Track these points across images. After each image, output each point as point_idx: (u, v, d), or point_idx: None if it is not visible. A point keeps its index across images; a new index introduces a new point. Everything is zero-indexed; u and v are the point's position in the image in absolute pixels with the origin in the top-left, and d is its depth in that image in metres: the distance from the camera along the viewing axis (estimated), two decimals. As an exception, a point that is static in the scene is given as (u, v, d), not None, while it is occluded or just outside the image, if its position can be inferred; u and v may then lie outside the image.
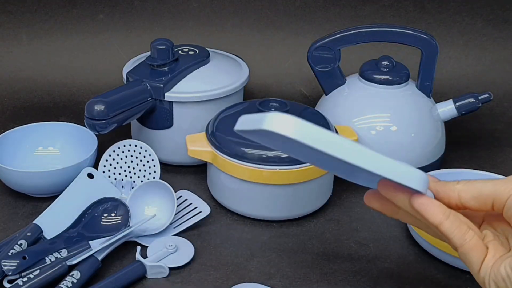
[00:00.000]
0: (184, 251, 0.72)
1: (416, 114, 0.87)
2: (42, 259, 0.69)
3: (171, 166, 0.90)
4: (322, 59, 0.88)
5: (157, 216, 0.76)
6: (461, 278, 0.71)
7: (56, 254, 0.70)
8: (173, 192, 0.76)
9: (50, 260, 0.69)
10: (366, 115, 0.86)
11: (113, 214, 0.75)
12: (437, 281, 0.71)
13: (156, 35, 0.92)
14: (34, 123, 0.89)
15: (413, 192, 0.52)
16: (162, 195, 0.77)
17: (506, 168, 0.92)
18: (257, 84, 1.10)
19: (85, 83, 1.12)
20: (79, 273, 0.67)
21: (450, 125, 0.91)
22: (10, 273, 0.66)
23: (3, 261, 0.67)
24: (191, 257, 0.72)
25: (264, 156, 0.76)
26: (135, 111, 0.83)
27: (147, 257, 0.71)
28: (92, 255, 0.69)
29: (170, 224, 0.76)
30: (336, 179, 0.84)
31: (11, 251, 0.69)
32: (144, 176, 0.83)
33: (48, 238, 0.73)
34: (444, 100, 0.87)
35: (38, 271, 0.66)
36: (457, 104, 0.86)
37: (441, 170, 0.82)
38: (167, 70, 0.87)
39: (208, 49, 0.94)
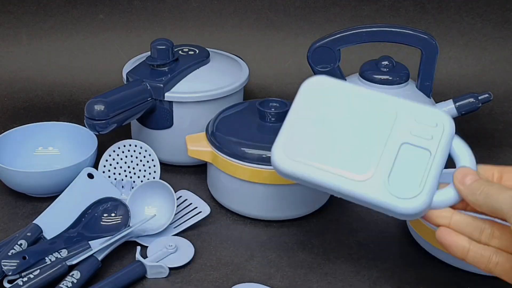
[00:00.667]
0: (184, 251, 0.72)
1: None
2: (42, 259, 0.69)
3: (171, 166, 0.90)
4: (322, 59, 0.88)
5: (157, 216, 0.76)
6: (461, 278, 0.71)
7: (56, 254, 0.70)
8: (173, 192, 0.76)
9: (50, 260, 0.69)
10: None
11: (113, 214, 0.75)
12: (437, 281, 0.71)
13: (156, 35, 0.92)
14: (34, 123, 0.89)
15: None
16: (162, 195, 0.77)
17: (506, 168, 0.92)
18: (257, 84, 1.11)
19: (85, 83, 1.12)
20: (79, 273, 0.67)
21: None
22: (10, 273, 0.66)
23: (3, 261, 0.67)
24: (191, 257, 0.72)
25: (264, 156, 0.76)
26: (135, 111, 0.83)
27: (147, 257, 0.71)
28: (92, 255, 0.69)
29: (170, 224, 0.76)
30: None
31: (11, 251, 0.69)
32: (144, 176, 0.83)
33: (48, 238, 0.73)
34: (444, 100, 0.87)
35: (38, 271, 0.66)
36: (457, 104, 0.86)
37: (441, 170, 0.82)
38: (167, 70, 0.87)
39: (208, 49, 0.94)
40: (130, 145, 0.84)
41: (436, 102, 0.88)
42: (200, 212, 0.79)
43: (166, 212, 0.77)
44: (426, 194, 0.53)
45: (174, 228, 0.77)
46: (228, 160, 0.77)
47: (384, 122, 0.56)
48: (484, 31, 1.14)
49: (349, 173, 0.55)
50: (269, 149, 0.63)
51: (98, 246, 0.70)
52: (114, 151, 0.84)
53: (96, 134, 0.83)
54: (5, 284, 0.67)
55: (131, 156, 0.84)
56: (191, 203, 0.80)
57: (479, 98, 0.86)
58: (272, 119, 0.80)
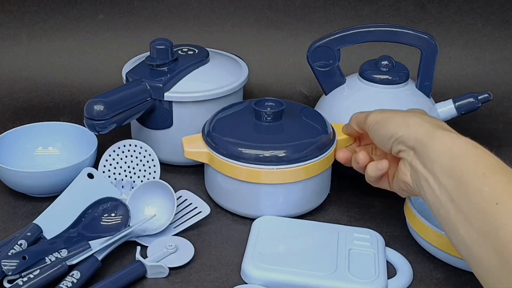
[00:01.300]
0: (184, 251, 0.72)
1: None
2: (42, 259, 0.69)
3: (171, 166, 0.90)
4: (322, 59, 0.88)
5: (157, 216, 0.76)
6: (461, 278, 0.71)
7: (56, 254, 0.70)
8: (173, 192, 0.76)
9: (50, 260, 0.69)
10: None
11: (113, 214, 0.75)
12: (437, 281, 0.71)
13: (156, 35, 0.92)
14: (34, 123, 0.89)
15: None
16: (162, 195, 0.77)
17: (506, 168, 0.92)
18: (257, 84, 1.10)
19: (85, 83, 1.12)
20: (79, 273, 0.67)
21: (450, 125, 0.91)
22: (10, 273, 0.66)
23: (3, 261, 0.67)
24: (191, 257, 0.72)
25: (261, 156, 0.76)
26: (134, 111, 0.83)
27: (147, 257, 0.71)
28: (92, 255, 0.69)
29: (170, 224, 0.76)
30: (334, 177, 0.84)
31: (11, 251, 0.70)
32: (144, 176, 0.83)
33: (48, 238, 0.73)
34: (444, 100, 0.87)
35: (38, 271, 0.66)
36: (456, 104, 0.86)
37: (441, 170, 0.83)
38: (166, 70, 0.87)
39: (208, 49, 0.94)
40: (130, 145, 0.84)
41: (436, 102, 0.88)
42: (200, 212, 0.79)
43: (166, 212, 0.77)
44: (383, 275, 0.68)
45: (174, 228, 0.77)
46: (224, 161, 0.77)
47: (331, 238, 0.74)
48: (484, 31, 1.14)
49: (316, 272, 0.68)
50: (265, 148, 0.77)
51: (98, 246, 0.70)
52: (114, 151, 0.84)
53: (96, 134, 0.83)
54: (5, 284, 0.67)
55: (131, 156, 0.84)
56: (191, 203, 0.80)
57: (479, 98, 0.86)
58: (268, 118, 0.80)
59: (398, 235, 0.78)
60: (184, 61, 0.89)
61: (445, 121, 0.89)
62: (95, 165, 0.84)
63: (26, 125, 0.89)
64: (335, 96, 0.90)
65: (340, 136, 0.81)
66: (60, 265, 0.67)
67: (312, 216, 0.81)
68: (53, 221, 0.75)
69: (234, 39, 1.14)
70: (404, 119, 0.68)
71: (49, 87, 1.11)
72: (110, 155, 0.84)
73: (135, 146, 0.84)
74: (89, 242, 0.70)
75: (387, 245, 0.75)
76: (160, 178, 0.82)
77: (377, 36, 0.87)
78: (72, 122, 0.90)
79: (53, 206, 0.78)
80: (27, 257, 0.67)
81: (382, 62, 0.88)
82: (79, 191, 0.79)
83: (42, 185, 0.80)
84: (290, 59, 1.14)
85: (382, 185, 0.75)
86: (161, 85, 0.84)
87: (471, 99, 0.86)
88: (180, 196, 0.81)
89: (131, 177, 0.84)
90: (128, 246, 0.73)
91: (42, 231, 0.74)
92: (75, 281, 0.66)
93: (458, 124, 1.01)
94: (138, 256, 0.70)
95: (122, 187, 0.83)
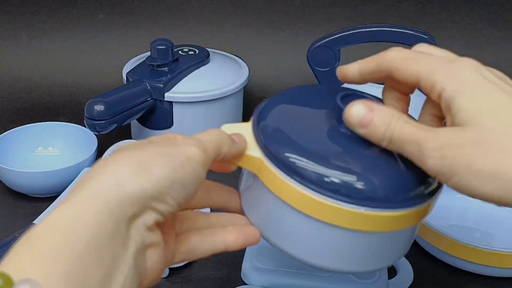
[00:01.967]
0: (184, 251, 0.72)
1: (416, 114, 0.87)
2: (42, 259, 0.69)
3: (171, 166, 0.90)
4: (322, 59, 0.88)
5: (157, 216, 0.76)
6: (461, 278, 0.71)
7: (56, 254, 0.69)
8: (173, 192, 0.76)
9: (50, 260, 0.69)
10: None
11: (113, 214, 0.75)
12: (437, 281, 0.71)
13: (156, 35, 0.92)
14: (34, 123, 0.89)
15: None
16: (162, 195, 0.77)
17: (506, 168, 0.92)
18: (257, 84, 1.10)
19: (85, 83, 1.12)
20: (79, 273, 0.66)
21: (450, 125, 0.91)
22: (10, 273, 0.66)
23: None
24: (191, 257, 0.72)
25: (349, 185, 0.45)
26: (135, 111, 0.83)
27: (147, 257, 0.71)
28: (92, 255, 0.69)
29: (170, 224, 0.76)
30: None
31: (11, 251, 0.69)
32: (144, 176, 0.83)
33: (48, 238, 0.73)
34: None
35: (38, 271, 0.66)
36: None
37: (441, 170, 0.82)
38: (167, 70, 0.87)
39: (208, 49, 0.94)
40: (130, 145, 0.84)
41: (436, 102, 0.88)
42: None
43: (166, 212, 0.76)
44: (384, 276, 0.67)
45: (174, 228, 0.77)
46: (285, 181, 0.47)
47: None
48: (484, 31, 1.14)
49: (317, 273, 0.66)
50: (357, 176, 0.46)
51: (98, 246, 0.70)
52: (114, 151, 0.84)
53: (96, 134, 0.83)
54: (5, 284, 0.67)
55: (131, 156, 0.84)
56: (191, 203, 0.80)
57: None
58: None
59: (398, 235, 0.78)
60: (185, 61, 0.89)
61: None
62: (95, 165, 0.84)
63: (26, 125, 0.89)
64: (335, 96, 0.90)
65: None
66: (60, 265, 0.67)
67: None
68: (53, 221, 0.75)
69: (234, 39, 1.14)
70: None
71: (49, 87, 1.11)
72: (110, 155, 0.84)
73: (135, 146, 0.84)
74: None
75: (387, 245, 0.75)
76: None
77: (377, 36, 0.87)
78: (72, 122, 0.90)
79: (53, 206, 0.78)
80: (27, 257, 0.67)
81: (382, 62, 0.88)
82: (79, 191, 0.79)
83: (42, 185, 0.80)
84: (290, 59, 1.14)
85: None
86: (161, 85, 0.84)
87: None
88: (180, 196, 0.81)
89: (131, 177, 0.84)
90: (128, 246, 0.73)
91: (42, 231, 0.74)
92: (75, 281, 0.66)
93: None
94: (138, 256, 0.70)
95: (122, 187, 0.83)
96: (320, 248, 0.49)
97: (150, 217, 0.41)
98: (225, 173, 0.51)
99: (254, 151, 0.49)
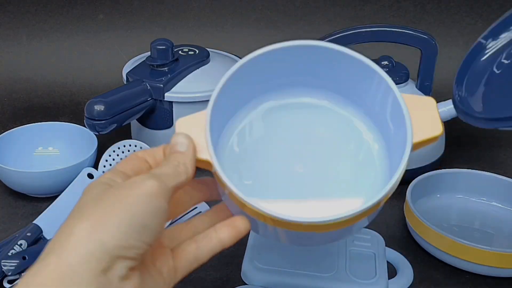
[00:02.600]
0: (184, 251, 0.72)
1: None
2: (42, 259, 0.69)
3: (171, 166, 0.90)
4: None
5: (157, 216, 0.76)
6: (461, 278, 0.71)
7: (56, 254, 0.69)
8: (173, 192, 0.76)
9: (50, 260, 0.69)
10: None
11: (113, 214, 0.75)
12: (437, 281, 0.71)
13: (156, 35, 0.92)
14: (34, 123, 0.89)
15: None
16: (162, 195, 0.77)
17: (506, 168, 0.92)
18: (257, 84, 1.10)
19: (85, 83, 1.12)
20: (79, 273, 0.66)
21: (450, 125, 0.91)
22: (10, 273, 0.66)
23: (3, 261, 0.67)
24: (191, 257, 0.72)
25: None
26: (135, 111, 0.83)
27: (147, 257, 0.71)
28: (92, 255, 0.69)
29: (170, 224, 0.76)
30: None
31: (11, 251, 0.69)
32: (144, 176, 0.83)
33: (48, 238, 0.73)
34: (444, 100, 0.87)
35: (38, 271, 0.66)
36: None
37: (441, 170, 0.82)
38: (167, 70, 0.87)
39: (208, 49, 0.94)
40: (130, 145, 0.84)
41: (436, 102, 0.88)
42: (200, 212, 0.79)
43: (166, 212, 0.76)
44: (384, 276, 0.68)
45: (174, 228, 0.77)
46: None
47: None
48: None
49: (317, 273, 0.67)
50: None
51: (98, 246, 0.70)
52: (114, 151, 0.84)
53: (96, 134, 0.83)
54: (5, 284, 0.67)
55: (131, 156, 0.84)
56: (191, 203, 0.80)
57: None
58: None
59: (398, 236, 0.78)
60: (185, 61, 0.89)
61: (445, 121, 0.89)
62: (95, 165, 0.84)
63: (26, 125, 0.89)
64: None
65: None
66: (60, 265, 0.67)
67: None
68: (53, 221, 0.75)
69: (234, 39, 1.14)
70: None
71: (49, 87, 1.11)
72: (110, 155, 0.84)
73: (135, 146, 0.84)
74: (89, 242, 0.70)
75: (387, 245, 0.75)
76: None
77: (377, 36, 0.87)
78: (72, 122, 0.90)
79: (53, 206, 0.78)
80: (27, 257, 0.67)
81: (382, 62, 0.88)
82: (79, 191, 0.79)
83: (42, 185, 0.80)
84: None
85: None
86: (161, 85, 0.84)
87: None
88: (180, 196, 0.81)
89: (131, 177, 0.84)
90: (128, 246, 0.73)
91: (42, 231, 0.74)
92: (75, 281, 0.66)
93: (458, 124, 1.01)
94: (138, 256, 0.70)
95: (122, 187, 0.83)
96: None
97: (122, 266, 0.41)
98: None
99: (204, 154, 0.48)
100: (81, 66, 1.14)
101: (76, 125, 0.89)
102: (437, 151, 0.89)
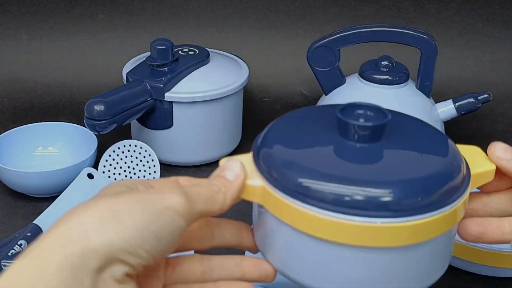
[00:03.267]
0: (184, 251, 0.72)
1: (416, 114, 0.86)
2: (42, 259, 0.69)
3: (171, 166, 0.90)
4: (322, 59, 0.88)
5: (157, 216, 0.76)
6: (461, 278, 0.71)
7: (56, 254, 0.69)
8: (173, 192, 0.76)
9: (50, 260, 0.69)
10: None
11: (113, 214, 0.75)
12: (437, 281, 0.71)
13: (156, 35, 0.92)
14: (34, 123, 0.89)
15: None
16: (162, 195, 0.77)
17: (506, 168, 0.92)
18: (257, 84, 1.11)
19: (85, 83, 1.12)
20: (79, 273, 0.66)
21: (450, 125, 0.91)
22: (10, 273, 0.66)
23: (3, 261, 0.67)
24: (191, 257, 0.72)
25: (354, 199, 0.43)
26: (135, 111, 0.83)
27: (147, 257, 0.71)
28: (92, 255, 0.69)
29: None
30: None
31: (11, 251, 0.69)
32: (144, 176, 0.83)
33: (48, 238, 0.73)
34: (444, 100, 0.87)
35: (38, 271, 0.66)
36: (456, 104, 0.86)
37: (441, 170, 0.82)
38: (167, 70, 0.87)
39: (208, 49, 0.94)
40: (130, 145, 0.84)
41: (436, 102, 0.88)
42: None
43: (166, 212, 0.76)
44: None
45: (174, 228, 0.77)
46: (288, 203, 0.44)
47: None
48: (484, 31, 1.14)
49: None
50: (362, 186, 0.43)
51: (98, 246, 0.70)
52: (114, 151, 0.84)
53: (96, 134, 0.83)
54: (5, 284, 0.67)
55: (131, 156, 0.84)
56: (191, 203, 0.80)
57: (479, 98, 0.86)
58: (362, 136, 0.47)
59: (398, 235, 0.78)
60: (185, 61, 0.89)
61: (444, 121, 0.89)
62: (95, 165, 0.84)
63: (26, 125, 0.89)
64: (335, 96, 0.90)
65: (477, 168, 0.49)
66: (60, 265, 0.67)
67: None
68: (53, 221, 0.74)
69: (234, 39, 1.14)
70: None
71: (49, 87, 1.11)
72: (110, 155, 0.84)
73: (135, 146, 0.84)
74: (89, 242, 0.70)
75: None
76: (160, 179, 0.82)
77: (377, 36, 0.87)
78: (72, 122, 0.90)
79: (53, 206, 0.78)
80: (27, 257, 0.67)
81: (382, 62, 0.88)
82: (79, 191, 0.79)
83: (42, 185, 0.80)
84: (290, 59, 1.14)
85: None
86: (161, 85, 0.84)
87: (471, 100, 0.86)
88: (180, 196, 0.81)
89: (131, 177, 0.84)
90: (128, 246, 0.73)
91: (42, 231, 0.74)
92: (75, 281, 0.66)
93: (458, 124, 1.02)
94: (138, 256, 0.70)
95: (122, 187, 0.83)
96: (346, 275, 0.45)
97: (118, 270, 0.38)
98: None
99: (255, 180, 0.46)
100: (81, 66, 1.14)
101: (76, 125, 0.89)
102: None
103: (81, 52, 1.14)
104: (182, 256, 0.47)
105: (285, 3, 1.13)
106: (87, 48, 1.15)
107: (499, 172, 0.49)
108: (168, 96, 0.85)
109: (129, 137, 0.92)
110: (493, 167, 0.49)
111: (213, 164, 0.91)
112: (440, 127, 0.88)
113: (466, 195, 0.46)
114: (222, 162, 0.45)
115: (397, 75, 0.87)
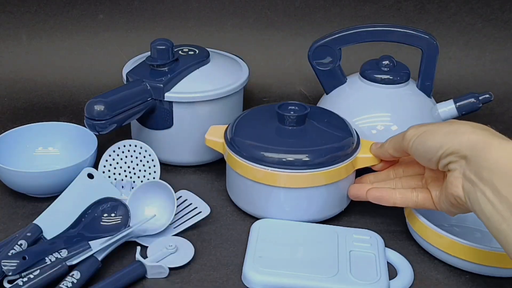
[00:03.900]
0: (184, 251, 0.72)
1: (417, 114, 0.87)
2: (42, 259, 0.69)
3: (171, 166, 0.90)
4: (323, 58, 0.88)
5: (157, 216, 0.76)
6: (461, 278, 0.71)
7: (56, 254, 0.69)
8: (173, 192, 0.76)
9: (50, 260, 0.69)
10: (367, 114, 0.86)
11: (113, 214, 0.75)
12: (437, 281, 0.71)
13: (156, 35, 0.92)
14: (34, 123, 0.89)
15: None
16: (162, 195, 0.77)
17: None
18: (257, 84, 1.10)
19: (85, 83, 1.12)
20: (79, 273, 0.66)
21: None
22: (10, 273, 0.66)
23: (3, 261, 0.67)
24: (191, 257, 0.72)
25: (279, 159, 0.75)
26: (135, 111, 0.83)
27: (147, 257, 0.71)
28: (92, 255, 0.69)
29: (170, 224, 0.76)
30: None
31: (11, 251, 0.69)
32: (144, 176, 0.83)
33: (48, 238, 0.73)
34: (445, 100, 0.87)
35: (38, 271, 0.66)
36: (457, 104, 0.86)
37: (441, 170, 0.82)
38: (167, 70, 0.87)
39: (208, 49, 0.94)
40: (130, 145, 0.84)
41: (437, 102, 0.88)
42: (200, 212, 0.79)
43: (166, 212, 0.77)
44: (385, 276, 0.68)
45: (174, 228, 0.77)
46: (240, 161, 0.76)
47: (331, 240, 0.74)
48: (484, 31, 1.14)
49: (318, 275, 0.68)
50: (284, 152, 0.75)
51: (98, 246, 0.70)
52: (114, 151, 0.84)
53: (96, 134, 0.83)
54: (5, 284, 0.67)
55: (131, 156, 0.84)
56: (191, 203, 0.80)
57: (480, 98, 0.86)
58: (291, 122, 0.78)
59: (398, 235, 0.78)
60: (185, 61, 0.89)
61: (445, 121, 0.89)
62: (95, 165, 0.84)
63: (26, 125, 0.89)
64: (336, 96, 0.90)
65: (364, 153, 0.78)
66: (60, 265, 0.67)
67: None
68: (53, 221, 0.75)
69: (234, 39, 1.14)
70: (452, 127, 0.64)
71: (49, 87, 1.11)
72: (110, 155, 0.84)
73: (135, 146, 0.84)
74: (89, 242, 0.70)
75: (387, 245, 0.75)
76: (160, 178, 0.82)
77: (378, 36, 0.87)
78: (72, 122, 0.90)
79: (53, 206, 0.78)
80: (27, 257, 0.67)
81: (383, 62, 0.88)
82: (79, 191, 0.79)
83: (42, 185, 0.80)
84: (290, 59, 1.14)
85: (425, 205, 0.71)
86: (161, 85, 0.84)
87: (472, 100, 0.86)
88: (180, 196, 0.81)
89: (131, 177, 0.84)
90: (128, 246, 0.73)
91: (42, 231, 0.74)
92: (75, 281, 0.66)
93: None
94: (138, 256, 0.70)
95: (122, 187, 0.83)
96: (281, 207, 0.77)
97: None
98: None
99: (222, 140, 0.81)
100: (81, 66, 1.14)
101: (76, 125, 0.89)
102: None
103: (81, 52, 1.14)
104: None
105: (285, 3, 1.13)
106: (87, 48, 1.14)
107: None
108: (168, 96, 0.85)
109: (129, 137, 0.92)
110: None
111: (213, 164, 0.91)
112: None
113: (351, 159, 0.76)
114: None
115: (398, 75, 0.87)
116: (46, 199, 0.81)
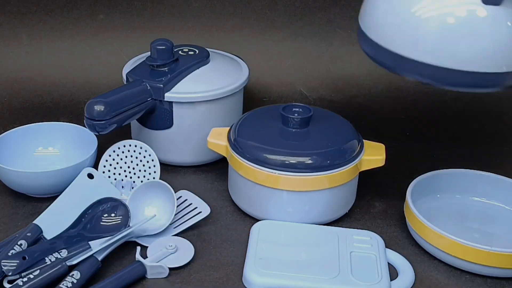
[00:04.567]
0: (184, 251, 0.72)
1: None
2: (42, 259, 0.69)
3: (171, 166, 0.90)
4: None
5: (157, 217, 0.76)
6: (461, 278, 0.71)
7: (56, 254, 0.70)
8: (173, 192, 0.76)
9: (50, 260, 0.69)
10: None
11: (113, 215, 0.75)
12: (437, 281, 0.71)
13: (156, 35, 0.92)
14: (34, 123, 0.89)
15: None
16: (162, 195, 0.77)
17: (506, 168, 0.92)
18: (257, 84, 1.10)
19: (85, 83, 1.12)
20: (79, 273, 0.67)
21: (450, 125, 0.91)
22: (10, 273, 0.66)
23: (3, 261, 0.67)
24: (191, 257, 0.72)
25: (282, 161, 0.75)
26: (135, 112, 0.83)
27: (147, 257, 0.71)
28: (92, 255, 0.69)
29: (170, 224, 0.76)
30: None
31: (11, 251, 0.69)
32: (144, 176, 0.83)
33: (48, 238, 0.73)
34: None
35: (38, 271, 0.66)
36: None
37: (441, 170, 0.82)
38: (167, 70, 0.87)
39: (208, 49, 0.94)
40: (130, 145, 0.84)
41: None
42: (200, 212, 0.79)
43: (166, 212, 0.77)
44: (386, 277, 0.68)
45: (174, 228, 0.77)
46: (244, 163, 0.76)
47: (331, 241, 0.73)
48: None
49: (320, 276, 0.68)
50: (288, 154, 0.75)
51: (98, 246, 0.70)
52: (114, 151, 0.84)
53: (96, 134, 0.83)
54: (5, 284, 0.67)
55: (131, 156, 0.84)
56: (191, 203, 0.80)
57: None
58: (295, 124, 0.79)
59: (398, 236, 0.78)
60: (185, 61, 0.89)
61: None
62: (95, 165, 0.84)
63: (26, 125, 0.89)
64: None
65: (369, 155, 0.78)
66: (60, 265, 0.67)
67: (312, 216, 0.81)
68: (53, 221, 0.75)
69: (234, 40, 1.14)
70: None
71: (49, 87, 1.11)
72: (110, 155, 0.84)
73: (135, 146, 0.84)
74: (89, 242, 0.70)
75: (387, 246, 0.75)
76: (160, 178, 0.82)
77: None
78: (72, 122, 0.90)
79: (53, 206, 0.78)
80: (27, 257, 0.67)
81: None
82: (79, 191, 0.79)
83: (42, 185, 0.80)
84: (290, 59, 1.14)
85: None
86: (161, 85, 0.84)
87: None
88: (180, 197, 0.81)
89: (131, 177, 0.84)
90: (128, 246, 0.73)
91: (42, 231, 0.74)
92: (75, 281, 0.66)
93: (458, 124, 1.02)
94: (138, 256, 0.70)
95: (122, 187, 0.83)
96: (283, 209, 0.77)
97: None
98: None
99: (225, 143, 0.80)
100: (81, 66, 1.14)
101: (76, 125, 0.89)
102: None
103: (81, 52, 1.14)
104: None
105: (285, 3, 1.13)
106: (87, 48, 1.14)
107: None
108: (168, 96, 0.85)
109: (129, 137, 0.92)
110: (382, 157, 0.78)
111: (213, 164, 0.91)
112: None
113: (355, 162, 0.76)
114: None
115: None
116: (46, 199, 0.81)
